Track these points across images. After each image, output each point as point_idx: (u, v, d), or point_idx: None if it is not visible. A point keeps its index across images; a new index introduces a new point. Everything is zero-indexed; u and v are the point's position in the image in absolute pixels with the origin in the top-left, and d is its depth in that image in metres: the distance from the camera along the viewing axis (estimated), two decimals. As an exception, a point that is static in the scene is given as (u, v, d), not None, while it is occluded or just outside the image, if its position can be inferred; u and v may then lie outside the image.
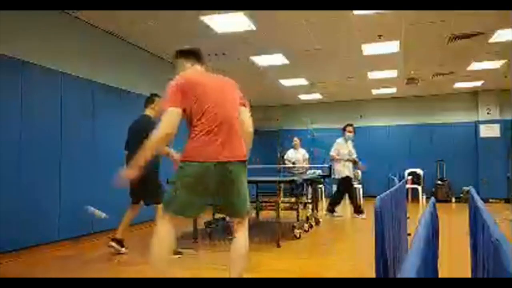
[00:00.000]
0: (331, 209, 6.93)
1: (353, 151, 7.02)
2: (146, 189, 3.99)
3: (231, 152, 2.34)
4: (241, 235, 2.46)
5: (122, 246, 4.15)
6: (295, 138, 8.12)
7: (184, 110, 2.33)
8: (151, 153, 2.36)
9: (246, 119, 2.56)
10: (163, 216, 2.36)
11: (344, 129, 7.06)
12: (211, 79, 2.52)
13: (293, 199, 6.46)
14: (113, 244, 4.11)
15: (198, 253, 4.27)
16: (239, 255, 2.44)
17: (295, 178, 5.17)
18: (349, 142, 7.04)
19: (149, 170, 3.72)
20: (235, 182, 2.38)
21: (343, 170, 6.83)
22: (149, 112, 4.23)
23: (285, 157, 8.09)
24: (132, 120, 4.31)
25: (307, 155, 7.88)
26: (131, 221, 4.27)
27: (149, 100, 4.29)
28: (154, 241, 2.31)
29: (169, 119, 2.28)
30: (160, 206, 2.60)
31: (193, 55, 2.64)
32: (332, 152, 6.94)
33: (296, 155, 7.89)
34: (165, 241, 2.33)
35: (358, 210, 6.83)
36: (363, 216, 6.70)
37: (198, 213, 2.55)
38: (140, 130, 3.84)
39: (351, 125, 7.09)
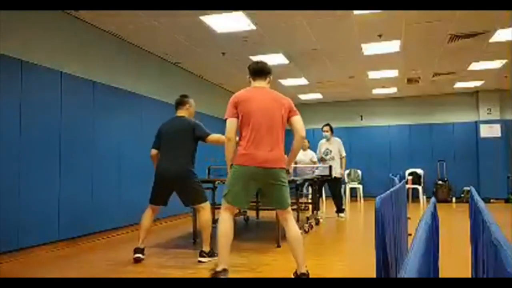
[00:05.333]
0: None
1: (333, 149, 7.06)
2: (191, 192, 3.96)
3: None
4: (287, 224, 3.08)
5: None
6: (305, 140, 7.98)
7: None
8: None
9: (297, 126, 3.14)
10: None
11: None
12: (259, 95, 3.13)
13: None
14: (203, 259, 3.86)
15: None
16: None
17: (295, 178, 5.16)
18: (327, 141, 7.18)
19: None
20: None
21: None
22: (184, 113, 4.12)
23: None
24: (134, 120, 4.31)
25: (315, 158, 7.80)
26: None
27: (183, 101, 4.16)
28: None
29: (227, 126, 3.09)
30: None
31: (251, 72, 3.27)
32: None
33: (304, 158, 7.79)
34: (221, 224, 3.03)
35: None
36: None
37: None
38: (187, 131, 3.91)
39: (325, 124, 7.25)
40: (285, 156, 3.14)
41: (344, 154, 7.14)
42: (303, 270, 2.98)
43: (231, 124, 3.05)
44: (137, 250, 3.86)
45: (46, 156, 4.47)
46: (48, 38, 4.67)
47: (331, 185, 7.10)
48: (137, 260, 3.81)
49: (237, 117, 3.05)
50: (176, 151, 3.90)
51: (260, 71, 3.23)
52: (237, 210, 3.66)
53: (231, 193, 3.04)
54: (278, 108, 3.07)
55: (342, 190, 7.50)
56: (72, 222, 4.72)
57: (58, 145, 4.63)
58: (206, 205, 3.96)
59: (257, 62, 3.30)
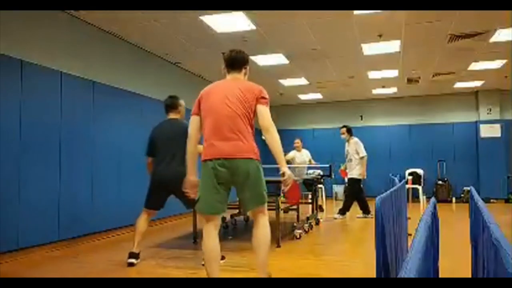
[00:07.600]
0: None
1: (350, 150, 7.05)
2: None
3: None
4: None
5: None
6: (297, 140, 7.87)
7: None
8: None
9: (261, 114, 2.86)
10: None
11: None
12: (223, 85, 2.83)
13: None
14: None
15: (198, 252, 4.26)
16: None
17: (295, 178, 5.15)
18: (346, 142, 7.16)
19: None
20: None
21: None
22: (176, 115, 4.08)
23: (287, 158, 7.95)
24: (134, 120, 4.31)
25: (309, 156, 7.80)
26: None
27: (175, 104, 4.11)
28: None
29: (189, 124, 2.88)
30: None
31: (226, 63, 2.92)
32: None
33: (301, 157, 7.77)
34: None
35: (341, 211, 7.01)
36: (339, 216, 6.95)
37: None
38: (182, 134, 3.68)
39: (342, 127, 7.18)
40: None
41: (362, 154, 6.91)
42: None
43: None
44: (132, 255, 3.78)
45: (46, 156, 4.47)
46: (48, 38, 4.67)
47: (347, 186, 7.13)
48: (130, 265, 3.73)
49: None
50: (172, 155, 3.84)
51: (233, 62, 2.90)
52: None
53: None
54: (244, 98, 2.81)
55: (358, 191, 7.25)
56: (72, 222, 4.71)
57: (58, 145, 4.63)
58: None
59: (231, 51, 2.93)
